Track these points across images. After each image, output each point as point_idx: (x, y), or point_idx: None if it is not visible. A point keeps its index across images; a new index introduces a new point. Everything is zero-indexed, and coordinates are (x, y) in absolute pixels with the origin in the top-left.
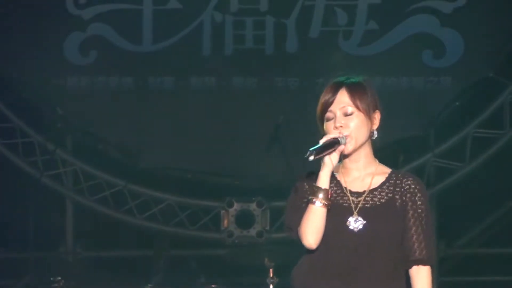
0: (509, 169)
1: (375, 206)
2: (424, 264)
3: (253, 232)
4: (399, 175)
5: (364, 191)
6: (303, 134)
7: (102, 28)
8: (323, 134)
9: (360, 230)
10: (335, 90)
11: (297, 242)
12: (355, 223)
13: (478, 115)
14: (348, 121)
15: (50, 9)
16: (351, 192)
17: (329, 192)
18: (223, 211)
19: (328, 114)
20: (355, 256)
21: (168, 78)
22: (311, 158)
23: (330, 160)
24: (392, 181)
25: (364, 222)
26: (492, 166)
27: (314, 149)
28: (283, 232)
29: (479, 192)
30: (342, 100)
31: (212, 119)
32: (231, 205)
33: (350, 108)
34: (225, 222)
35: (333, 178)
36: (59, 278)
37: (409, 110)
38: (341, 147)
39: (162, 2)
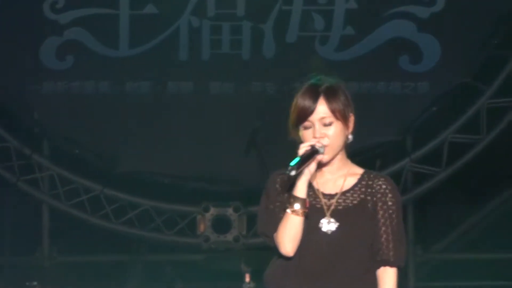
0: (486, 174)
1: (348, 208)
2: (391, 265)
3: (229, 237)
4: (371, 176)
5: (336, 193)
6: (281, 139)
7: (79, 32)
8: (298, 140)
9: (332, 232)
10: (314, 99)
11: (273, 248)
12: (328, 225)
13: (455, 120)
14: (327, 131)
15: (27, 14)
16: (323, 194)
17: (306, 201)
18: (200, 216)
19: (306, 123)
20: (328, 258)
21: (145, 82)
22: (293, 173)
23: (308, 170)
24: (364, 182)
25: (337, 224)
26: (469, 171)
27: (295, 164)
28: (260, 237)
29: (455, 197)
30: (321, 110)
31: (189, 124)
32: (207, 210)
33: (329, 119)
34: (202, 227)
35: (311, 186)
36: (35, 283)
37: (386, 115)
38: (319, 157)
39: (139, 7)
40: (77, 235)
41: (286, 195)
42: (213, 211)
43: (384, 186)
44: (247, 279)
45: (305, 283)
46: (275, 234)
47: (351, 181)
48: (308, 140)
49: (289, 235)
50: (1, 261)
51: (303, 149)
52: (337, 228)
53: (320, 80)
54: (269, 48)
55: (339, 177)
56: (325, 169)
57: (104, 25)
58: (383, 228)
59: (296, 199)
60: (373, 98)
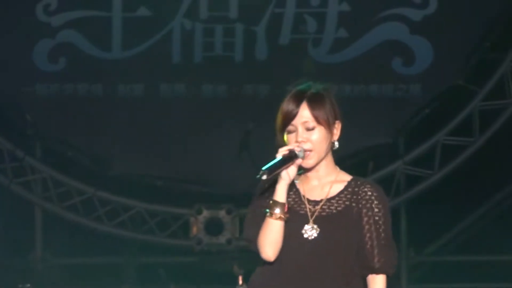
0: (478, 177)
1: (331, 214)
2: (377, 272)
3: (222, 239)
4: (358, 183)
5: (322, 200)
6: (273, 141)
7: (71, 35)
8: (283, 145)
9: (314, 238)
10: (297, 103)
11: (256, 253)
12: (310, 231)
13: (447, 122)
14: (310, 135)
15: (19, 16)
16: (308, 200)
17: (285, 206)
18: (192, 218)
19: (290, 127)
20: (309, 264)
21: (137, 85)
22: (264, 177)
23: (287, 174)
24: (351, 189)
25: (319, 230)
26: (461, 173)
27: (267, 168)
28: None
29: (448, 199)
30: (304, 115)
31: (182, 126)
32: (200, 212)
33: (312, 123)
34: (194, 229)
35: (292, 186)
36: (28, 285)
37: (378, 117)
38: (298, 161)
39: (131, 9)
40: (70, 238)
41: (267, 200)
42: (205, 213)
43: (369, 193)
44: (240, 281)
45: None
46: (257, 239)
47: (337, 188)
48: (291, 144)
49: (269, 239)
50: None
51: (281, 153)
52: (319, 235)
53: (308, 86)
54: (262, 51)
55: (326, 183)
56: (311, 175)
57: (96, 28)
58: (368, 235)
59: (276, 203)
60: (365, 100)
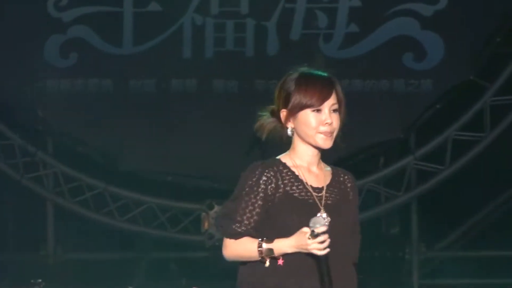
0: (489, 172)
1: (336, 202)
2: (355, 261)
3: None
4: (339, 172)
5: (323, 187)
6: (285, 136)
7: (82, 30)
8: (305, 121)
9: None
10: (329, 86)
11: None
12: (324, 219)
13: (458, 117)
14: (334, 118)
15: (31, 11)
16: (312, 187)
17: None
18: (204, 213)
19: (319, 107)
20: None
21: (148, 80)
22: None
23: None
24: (337, 178)
25: (329, 218)
26: (472, 169)
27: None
28: None
29: (459, 194)
30: (333, 97)
31: (193, 122)
32: (211, 208)
33: (336, 106)
34: (206, 224)
35: (292, 173)
36: (40, 280)
37: (389, 112)
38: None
39: (142, 5)
40: (81, 233)
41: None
42: (217, 208)
43: (354, 184)
44: None
45: (303, 277)
46: (232, 241)
47: (328, 175)
48: (313, 122)
49: (242, 259)
50: (6, 259)
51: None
52: (330, 222)
53: (323, 71)
54: (273, 46)
55: (319, 170)
56: (310, 161)
57: (107, 23)
58: (355, 224)
59: (271, 255)
60: (376, 95)
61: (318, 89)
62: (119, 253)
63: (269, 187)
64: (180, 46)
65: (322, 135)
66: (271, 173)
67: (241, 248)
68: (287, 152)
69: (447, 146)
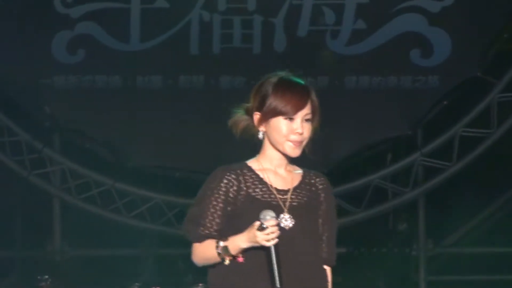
0: (497, 168)
1: (301, 204)
2: (329, 264)
3: None
4: (311, 174)
5: (289, 189)
6: None
7: (90, 26)
8: (276, 127)
9: (290, 228)
10: (305, 95)
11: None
12: (286, 221)
13: (465, 114)
14: (305, 127)
15: (38, 8)
16: (277, 190)
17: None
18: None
19: (292, 115)
20: (288, 252)
21: (156, 76)
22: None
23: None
24: (307, 180)
25: (294, 220)
26: (480, 165)
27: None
28: None
29: (466, 191)
30: (307, 107)
31: (200, 118)
32: None
33: (309, 116)
34: None
35: (256, 176)
36: (46, 277)
37: (396, 109)
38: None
39: (149, 1)
40: (88, 229)
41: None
42: None
43: (325, 186)
44: None
45: (261, 277)
46: (197, 245)
47: (297, 178)
48: (284, 130)
49: (208, 262)
50: (13, 255)
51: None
52: (295, 225)
53: (298, 77)
54: (280, 42)
55: (287, 173)
56: (277, 164)
57: (115, 19)
58: (326, 227)
59: (229, 254)
60: (384, 92)
61: (293, 98)
62: (126, 250)
63: (231, 189)
64: (187, 42)
65: (291, 144)
66: (233, 176)
67: (205, 250)
68: (256, 156)
69: (454, 142)
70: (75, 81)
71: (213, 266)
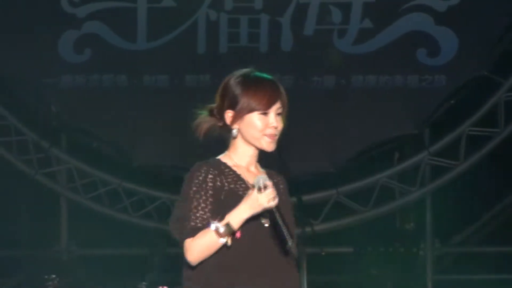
0: (504, 167)
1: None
2: (294, 258)
3: None
4: (273, 173)
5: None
6: (298, 132)
7: (96, 26)
8: (252, 124)
9: (269, 225)
10: (276, 90)
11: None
12: (265, 218)
13: (472, 113)
14: (279, 121)
15: (45, 7)
16: (253, 186)
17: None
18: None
19: (267, 110)
20: (268, 250)
21: (162, 76)
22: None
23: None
24: (271, 178)
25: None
26: (487, 164)
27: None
28: None
29: (473, 190)
30: (279, 102)
31: None
32: None
33: (281, 110)
34: None
35: (233, 172)
36: (53, 276)
37: (403, 108)
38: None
39: (156, 0)
40: (95, 229)
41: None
42: None
43: (285, 185)
44: None
45: (245, 276)
46: (189, 240)
47: (264, 175)
48: (259, 125)
49: (205, 254)
50: (20, 255)
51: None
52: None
53: (265, 73)
54: (287, 41)
55: (256, 171)
56: (250, 161)
57: (121, 19)
58: (290, 224)
59: (232, 231)
60: (391, 91)
61: (267, 93)
62: (132, 249)
63: (216, 184)
64: (194, 41)
65: (267, 138)
66: (216, 171)
67: (201, 242)
68: (225, 153)
69: (461, 141)
70: (82, 80)
71: (191, 266)
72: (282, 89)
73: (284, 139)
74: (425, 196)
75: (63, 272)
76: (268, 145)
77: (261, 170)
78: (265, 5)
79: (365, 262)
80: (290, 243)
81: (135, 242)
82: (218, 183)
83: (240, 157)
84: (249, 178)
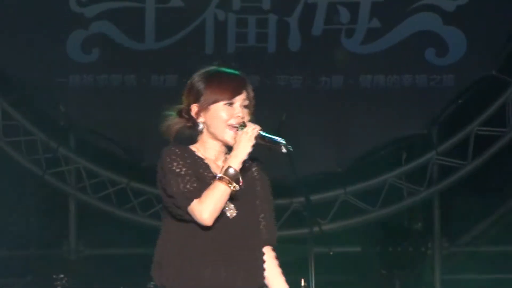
0: None
1: (242, 192)
2: (270, 244)
3: None
4: (247, 164)
5: None
6: (306, 132)
7: (104, 26)
8: (218, 116)
9: (234, 216)
10: (242, 82)
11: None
12: (231, 210)
13: (480, 113)
14: (245, 113)
15: (53, 7)
16: None
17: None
18: (227, 208)
19: (232, 101)
20: (233, 241)
21: (170, 76)
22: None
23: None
24: (244, 167)
25: (236, 209)
26: (495, 163)
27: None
28: (286, 229)
29: (481, 190)
30: (245, 93)
31: None
32: None
33: (247, 102)
34: None
35: (202, 161)
36: (62, 276)
37: (412, 108)
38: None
39: (164, 0)
40: (103, 228)
41: (231, 169)
42: None
43: (259, 168)
44: None
45: (214, 265)
46: (198, 201)
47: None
48: (224, 115)
49: (219, 207)
50: (28, 254)
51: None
52: (238, 213)
53: (231, 69)
54: (295, 41)
55: (224, 162)
56: (218, 153)
57: (130, 19)
58: (265, 206)
59: (237, 174)
60: (399, 91)
61: (231, 83)
62: (141, 249)
63: (192, 166)
64: (202, 41)
65: (229, 131)
66: (186, 154)
67: (212, 196)
68: (195, 145)
69: (470, 141)
70: (90, 80)
71: (159, 266)
72: (248, 85)
73: (292, 139)
74: (433, 196)
75: (71, 272)
76: (231, 138)
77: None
78: (273, 5)
79: (373, 262)
80: (284, 141)
81: (143, 242)
82: (192, 167)
83: (207, 151)
84: (216, 171)
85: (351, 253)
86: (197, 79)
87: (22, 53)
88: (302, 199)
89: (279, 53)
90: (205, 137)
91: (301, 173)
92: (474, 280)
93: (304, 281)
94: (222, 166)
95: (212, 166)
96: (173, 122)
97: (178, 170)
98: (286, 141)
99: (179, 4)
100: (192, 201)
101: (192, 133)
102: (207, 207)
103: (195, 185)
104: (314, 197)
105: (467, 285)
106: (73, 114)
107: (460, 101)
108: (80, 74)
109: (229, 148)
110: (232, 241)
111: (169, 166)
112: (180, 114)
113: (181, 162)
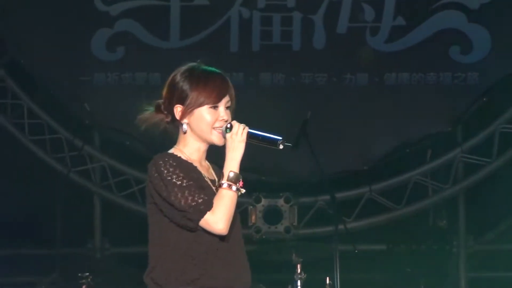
0: None
1: None
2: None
3: (280, 228)
4: (215, 167)
5: (215, 179)
6: (331, 130)
7: (129, 24)
8: (204, 119)
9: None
10: (226, 84)
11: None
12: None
13: (505, 111)
14: (228, 115)
15: (78, 6)
16: (210, 180)
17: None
18: (251, 207)
19: (217, 104)
20: (233, 244)
21: None
22: (281, 146)
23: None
24: (218, 172)
25: None
26: None
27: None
28: (311, 227)
29: (507, 187)
30: (228, 95)
31: (239, 115)
32: (258, 201)
33: (229, 104)
34: (253, 218)
35: (190, 165)
36: (87, 274)
37: (436, 105)
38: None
39: None
40: (128, 226)
41: (231, 173)
42: (264, 202)
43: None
44: (299, 269)
45: (210, 271)
46: (210, 212)
47: (212, 170)
48: (209, 118)
49: (230, 214)
50: (54, 253)
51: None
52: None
53: (212, 67)
54: (320, 39)
55: (206, 164)
56: (202, 155)
57: (154, 17)
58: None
59: (239, 176)
60: (423, 88)
61: (216, 87)
62: None
63: (185, 172)
64: (227, 39)
65: (216, 132)
66: (179, 163)
67: (224, 205)
68: (175, 147)
69: (494, 139)
70: (114, 79)
71: (155, 269)
72: (230, 83)
73: (317, 137)
74: (458, 194)
75: (96, 270)
76: (219, 139)
77: (209, 164)
78: (297, 3)
79: (398, 260)
80: (286, 142)
81: None
82: (184, 169)
83: (191, 152)
84: (202, 171)
85: (376, 251)
86: (180, 78)
87: (47, 52)
88: (327, 197)
89: (304, 51)
90: (188, 138)
91: (326, 171)
92: (500, 278)
93: (329, 279)
94: (222, 173)
95: (200, 168)
96: (149, 116)
97: (179, 182)
98: (309, 138)
99: (204, 2)
100: (205, 213)
101: (168, 128)
102: (222, 217)
103: (202, 195)
104: (339, 195)
105: (493, 283)
106: (97, 112)
107: (484, 99)
108: (105, 73)
109: (209, 148)
110: (232, 244)
111: (169, 179)
112: (158, 109)
113: (181, 175)
